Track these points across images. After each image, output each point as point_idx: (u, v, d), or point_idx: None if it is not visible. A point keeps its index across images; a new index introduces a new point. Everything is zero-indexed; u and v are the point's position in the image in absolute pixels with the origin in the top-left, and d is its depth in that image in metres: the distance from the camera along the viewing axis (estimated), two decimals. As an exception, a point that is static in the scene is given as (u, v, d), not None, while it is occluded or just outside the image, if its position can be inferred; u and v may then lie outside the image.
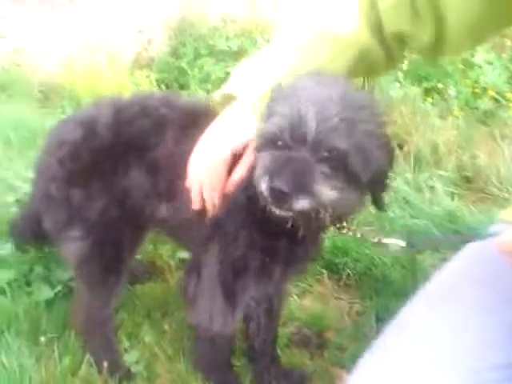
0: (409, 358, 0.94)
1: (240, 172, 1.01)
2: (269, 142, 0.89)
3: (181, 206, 1.10)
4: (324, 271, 1.61)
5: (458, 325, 0.95)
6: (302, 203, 0.84)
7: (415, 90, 2.64)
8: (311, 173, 0.84)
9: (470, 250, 1.08)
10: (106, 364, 1.27)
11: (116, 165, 1.15)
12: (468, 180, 2.01)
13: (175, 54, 2.99)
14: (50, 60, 3.13)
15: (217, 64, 2.85)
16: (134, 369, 1.32)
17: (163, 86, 2.84)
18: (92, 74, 2.91)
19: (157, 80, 2.84)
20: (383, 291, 1.53)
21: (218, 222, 1.07)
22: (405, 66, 2.73)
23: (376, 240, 1.06)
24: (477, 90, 2.71)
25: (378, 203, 0.99)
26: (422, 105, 2.60)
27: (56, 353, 1.30)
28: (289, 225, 0.92)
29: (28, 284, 1.50)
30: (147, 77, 2.81)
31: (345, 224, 1.02)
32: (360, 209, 0.99)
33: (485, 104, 2.63)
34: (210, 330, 1.15)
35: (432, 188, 1.94)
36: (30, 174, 1.83)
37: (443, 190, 1.91)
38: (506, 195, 1.92)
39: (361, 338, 1.39)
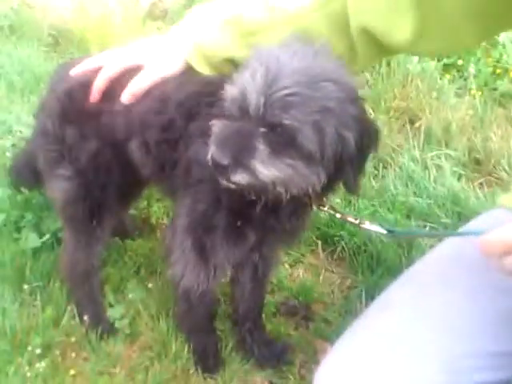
0: (388, 338, 0.92)
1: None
2: (224, 110, 0.86)
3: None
4: (318, 242, 1.58)
5: (444, 307, 0.92)
6: (238, 177, 0.82)
7: (434, 65, 2.55)
8: (251, 147, 0.81)
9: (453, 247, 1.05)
10: (87, 316, 1.28)
11: (110, 109, 1.11)
12: (477, 162, 1.94)
13: (190, 6, 2.90)
14: (62, 2, 3.06)
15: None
16: (117, 324, 1.32)
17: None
18: (104, 22, 2.84)
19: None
20: (376, 268, 1.50)
21: (192, 176, 1.05)
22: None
23: (357, 222, 1.02)
24: (498, 70, 2.61)
25: (349, 186, 0.94)
26: (439, 81, 2.52)
27: (39, 302, 1.30)
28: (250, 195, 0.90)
29: (17, 230, 1.49)
30: (158, 28, 2.74)
31: (324, 202, 0.99)
32: (326, 187, 0.93)
33: (504, 85, 2.53)
34: (182, 285, 1.13)
35: (439, 167, 1.88)
36: (31, 119, 1.83)
37: (450, 171, 1.84)
38: (514, 180, 1.86)
39: (348, 313, 1.37)
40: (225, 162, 0.81)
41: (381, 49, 1.00)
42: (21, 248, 1.42)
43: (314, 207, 1.01)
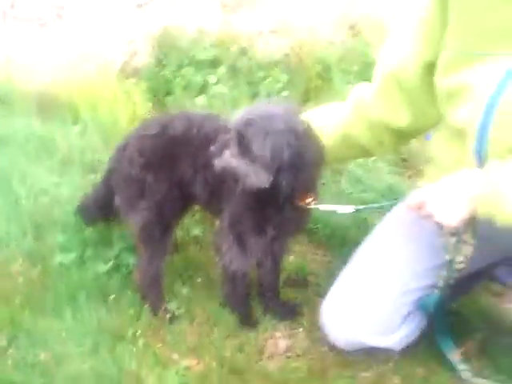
0: (362, 276, 1.60)
1: None
2: None
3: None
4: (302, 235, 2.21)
5: (395, 250, 1.60)
6: (217, 162, 1.49)
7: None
8: (228, 146, 1.47)
9: (398, 211, 1.71)
10: (158, 310, 1.84)
11: (178, 160, 1.72)
12: (404, 160, 2.62)
13: (160, 64, 3.46)
14: (42, 71, 3.52)
15: (197, 72, 3.36)
16: (176, 313, 1.88)
17: (151, 93, 3.32)
18: (85, 83, 3.30)
19: (145, 88, 3.31)
20: (345, 246, 2.13)
21: (230, 199, 1.66)
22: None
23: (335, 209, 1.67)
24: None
25: (284, 188, 1.47)
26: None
27: (123, 306, 1.85)
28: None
29: (83, 262, 2.01)
30: (136, 85, 3.27)
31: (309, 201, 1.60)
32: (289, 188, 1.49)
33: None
34: (231, 269, 1.74)
35: (378, 168, 2.54)
36: (55, 178, 2.35)
37: (386, 169, 2.52)
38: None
39: (332, 278, 1.99)
40: (213, 149, 1.47)
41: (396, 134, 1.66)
42: (94, 273, 1.97)
43: (302, 205, 1.60)
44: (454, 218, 1.32)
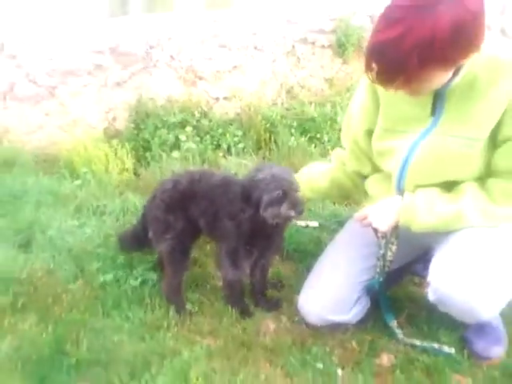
0: (325, 271, 2.34)
1: None
2: None
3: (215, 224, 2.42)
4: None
5: (347, 252, 2.33)
6: (274, 211, 2.17)
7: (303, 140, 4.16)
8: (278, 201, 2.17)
9: (349, 224, 2.50)
10: (182, 312, 2.49)
11: (188, 204, 2.44)
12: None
13: (137, 127, 4.20)
14: (38, 138, 4.16)
15: (169, 132, 4.11)
16: (193, 310, 2.55)
17: (134, 151, 4.03)
18: (77, 144, 3.88)
19: (129, 147, 4.01)
20: (306, 257, 2.90)
21: (226, 231, 2.37)
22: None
23: (304, 224, 2.49)
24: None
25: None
26: (308, 149, 4.10)
27: (157, 306, 2.51)
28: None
29: (118, 281, 2.66)
30: (123, 146, 3.97)
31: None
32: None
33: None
34: (227, 279, 2.41)
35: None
36: (75, 222, 3.00)
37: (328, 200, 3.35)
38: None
39: (299, 280, 2.69)
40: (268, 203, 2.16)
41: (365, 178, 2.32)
42: (129, 287, 2.62)
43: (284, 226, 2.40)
44: (384, 225, 2.02)
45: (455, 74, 1.74)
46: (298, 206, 2.12)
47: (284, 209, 2.14)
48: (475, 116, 1.78)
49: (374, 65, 1.65)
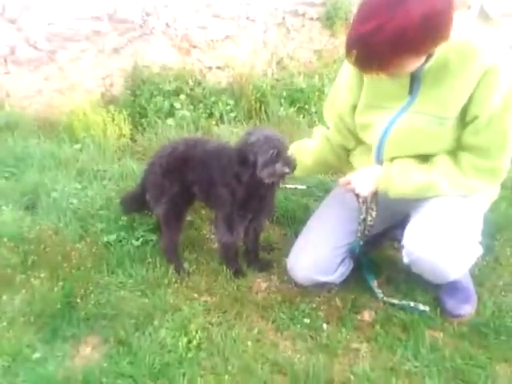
0: (312, 235, 2.55)
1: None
2: None
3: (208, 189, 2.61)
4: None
5: (332, 217, 2.55)
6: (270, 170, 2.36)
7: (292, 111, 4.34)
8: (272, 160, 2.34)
9: (334, 192, 2.72)
10: (180, 268, 2.73)
11: (184, 170, 2.61)
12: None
13: (133, 94, 4.33)
14: (38, 101, 4.27)
15: (164, 100, 4.26)
16: (191, 269, 2.79)
17: (130, 118, 4.17)
18: (75, 109, 4.04)
19: (126, 113, 4.14)
20: (294, 223, 3.10)
21: (221, 198, 2.57)
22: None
23: (293, 187, 2.74)
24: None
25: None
26: (296, 119, 4.29)
27: (157, 264, 2.72)
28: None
29: (121, 241, 2.87)
30: (120, 112, 4.10)
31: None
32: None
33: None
34: (222, 241, 2.61)
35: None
36: (77, 185, 3.18)
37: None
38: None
39: (288, 243, 2.88)
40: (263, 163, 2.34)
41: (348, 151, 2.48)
42: (131, 246, 2.82)
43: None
44: (365, 190, 2.20)
45: (428, 58, 1.89)
46: (291, 162, 2.31)
47: (279, 166, 2.32)
48: (446, 96, 1.94)
49: (353, 51, 1.81)
